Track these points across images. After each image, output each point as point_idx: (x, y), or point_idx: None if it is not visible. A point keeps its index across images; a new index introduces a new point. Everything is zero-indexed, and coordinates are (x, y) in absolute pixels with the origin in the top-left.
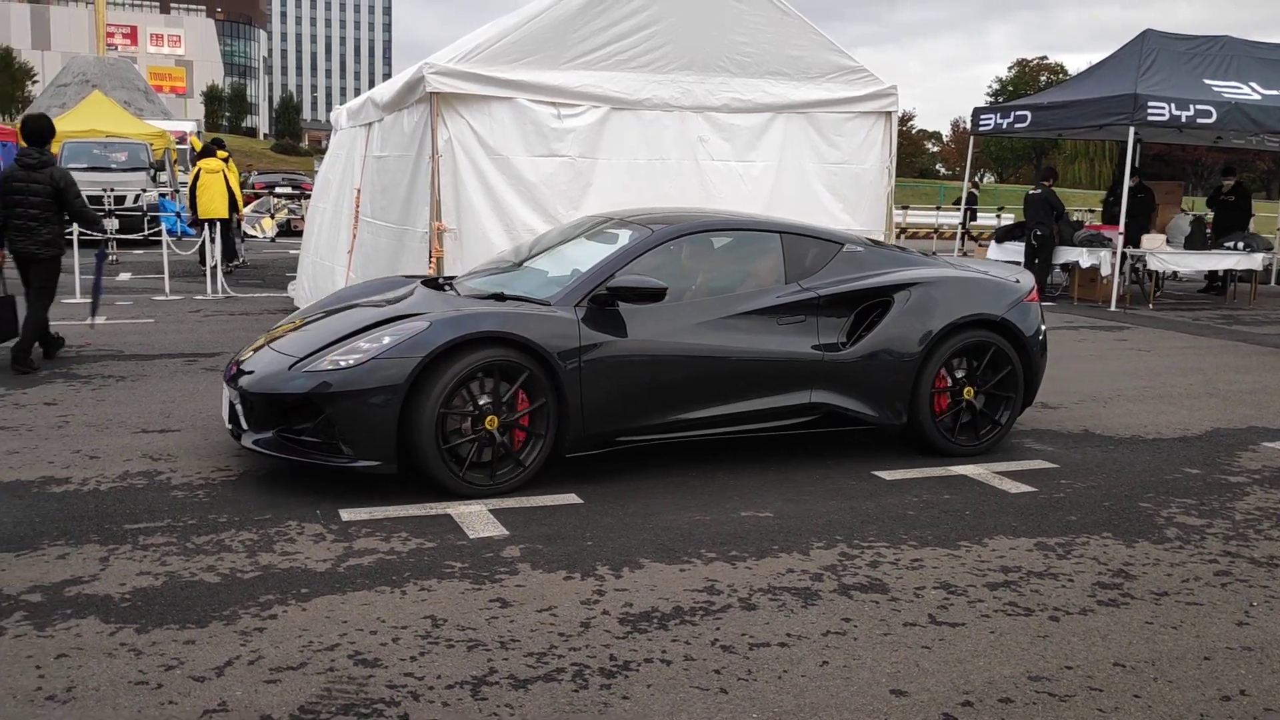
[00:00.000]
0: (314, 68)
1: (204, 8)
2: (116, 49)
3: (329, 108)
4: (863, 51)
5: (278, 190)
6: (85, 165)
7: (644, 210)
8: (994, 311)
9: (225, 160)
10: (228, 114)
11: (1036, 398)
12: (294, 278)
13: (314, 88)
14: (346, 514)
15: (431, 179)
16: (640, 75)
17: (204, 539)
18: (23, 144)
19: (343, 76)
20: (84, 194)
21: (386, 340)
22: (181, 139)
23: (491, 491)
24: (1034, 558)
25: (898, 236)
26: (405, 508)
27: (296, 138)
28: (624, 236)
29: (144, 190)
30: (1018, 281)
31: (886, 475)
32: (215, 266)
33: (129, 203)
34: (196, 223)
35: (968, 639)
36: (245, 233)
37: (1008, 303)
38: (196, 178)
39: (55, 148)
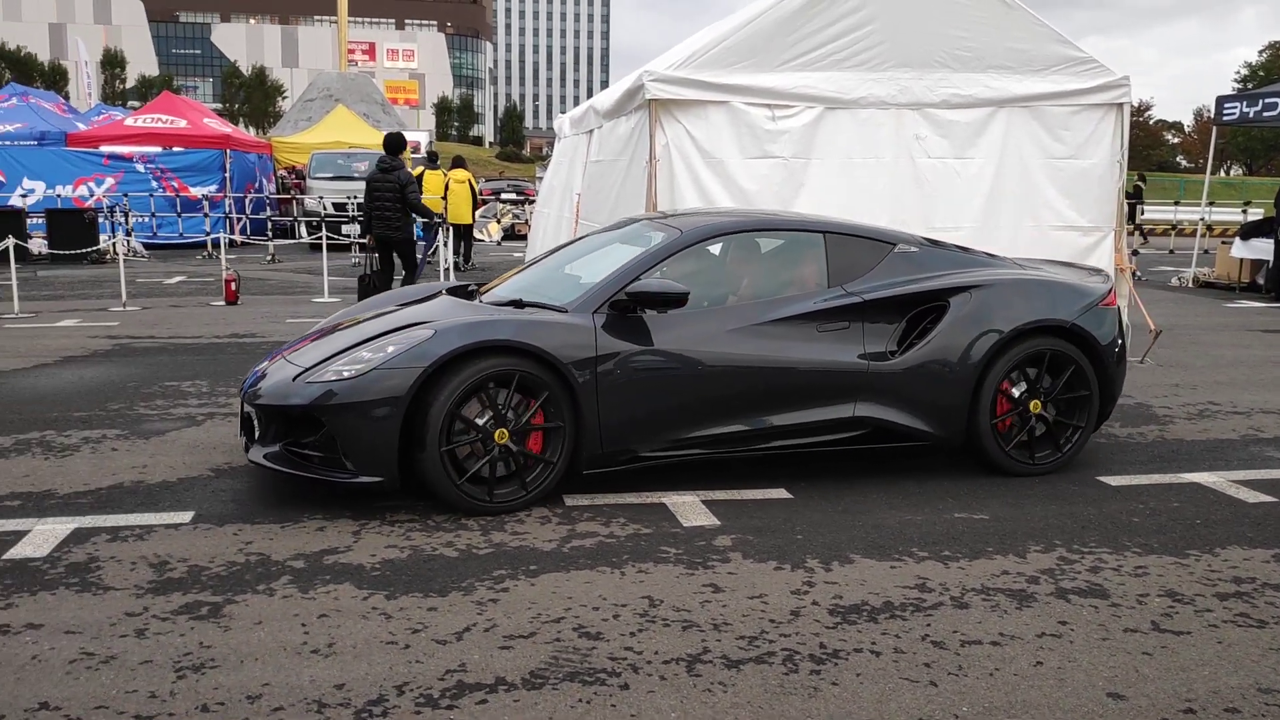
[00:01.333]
0: (535, 77)
1: (435, 23)
2: (356, 64)
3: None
4: (1091, 39)
5: (503, 196)
6: (331, 175)
7: (687, 211)
8: (1063, 317)
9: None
10: (456, 124)
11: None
12: None
13: (535, 96)
14: (570, 500)
15: (647, 183)
16: (855, 74)
17: (443, 518)
18: (383, 152)
19: (563, 84)
20: (330, 200)
21: (390, 350)
22: (415, 149)
23: (489, 510)
24: (1271, 569)
25: (1132, 234)
26: (623, 496)
27: (519, 145)
28: (656, 238)
29: None
30: (1092, 284)
31: (1112, 481)
32: (449, 268)
33: None
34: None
35: (1193, 648)
36: (474, 237)
37: (1080, 307)
38: (447, 187)
39: (304, 159)
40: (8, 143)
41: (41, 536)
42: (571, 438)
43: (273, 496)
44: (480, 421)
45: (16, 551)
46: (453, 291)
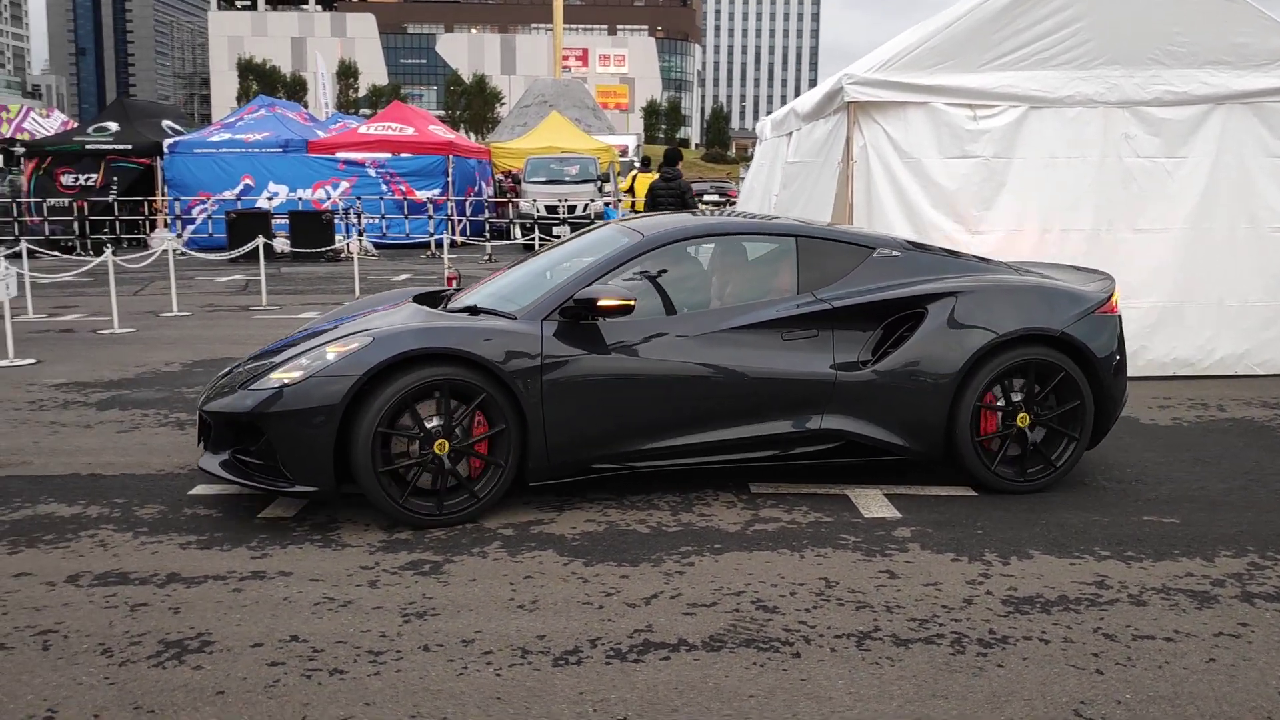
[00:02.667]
0: (743, 77)
1: (646, 28)
2: (570, 71)
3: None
4: None
5: (705, 198)
6: (543, 179)
7: (660, 216)
8: (1051, 325)
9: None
10: (664, 127)
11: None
12: None
13: (742, 97)
14: (755, 487)
15: (843, 185)
16: (1062, 73)
17: (637, 498)
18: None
19: (770, 84)
20: (543, 203)
21: (329, 357)
22: (624, 152)
23: (440, 522)
24: None
25: None
26: (807, 486)
27: (725, 146)
28: (620, 243)
29: (591, 200)
30: (1090, 290)
31: None
32: None
33: (579, 211)
34: None
35: None
36: None
37: (1072, 314)
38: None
39: (520, 163)
40: (256, 150)
41: (289, 500)
42: (517, 446)
43: None
44: (418, 431)
45: (269, 511)
46: (421, 298)
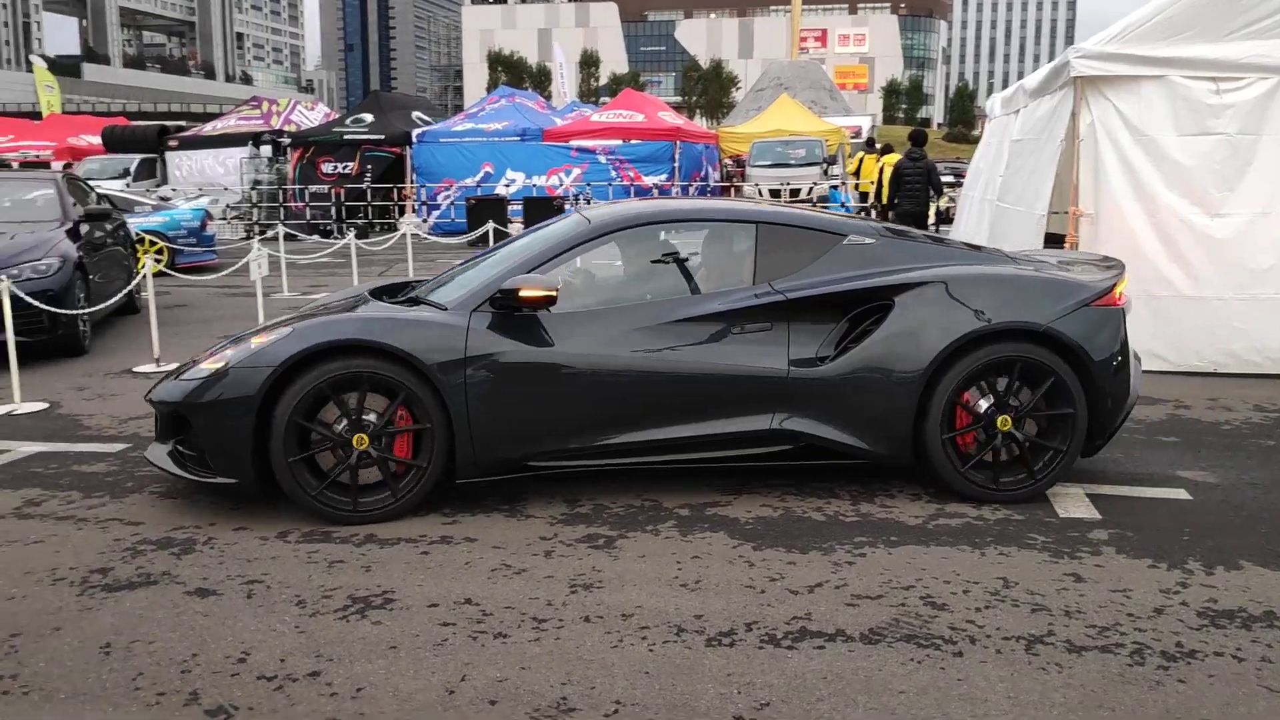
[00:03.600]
0: (992, 54)
1: (888, 5)
2: (807, 52)
3: None
4: None
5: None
6: (769, 163)
7: (617, 203)
8: (1034, 319)
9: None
10: (904, 106)
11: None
12: None
13: (990, 74)
14: None
15: (1070, 164)
16: None
17: (818, 485)
18: (909, 145)
19: (1021, 60)
20: (766, 187)
21: (252, 348)
22: (856, 133)
23: (360, 519)
24: None
25: None
26: None
27: (969, 125)
28: (569, 230)
29: (815, 184)
30: (1087, 279)
31: None
32: None
33: (802, 195)
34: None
35: None
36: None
37: (1061, 307)
38: (881, 171)
39: (744, 147)
40: (496, 139)
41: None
42: (443, 442)
43: None
44: (337, 425)
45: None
46: (377, 291)
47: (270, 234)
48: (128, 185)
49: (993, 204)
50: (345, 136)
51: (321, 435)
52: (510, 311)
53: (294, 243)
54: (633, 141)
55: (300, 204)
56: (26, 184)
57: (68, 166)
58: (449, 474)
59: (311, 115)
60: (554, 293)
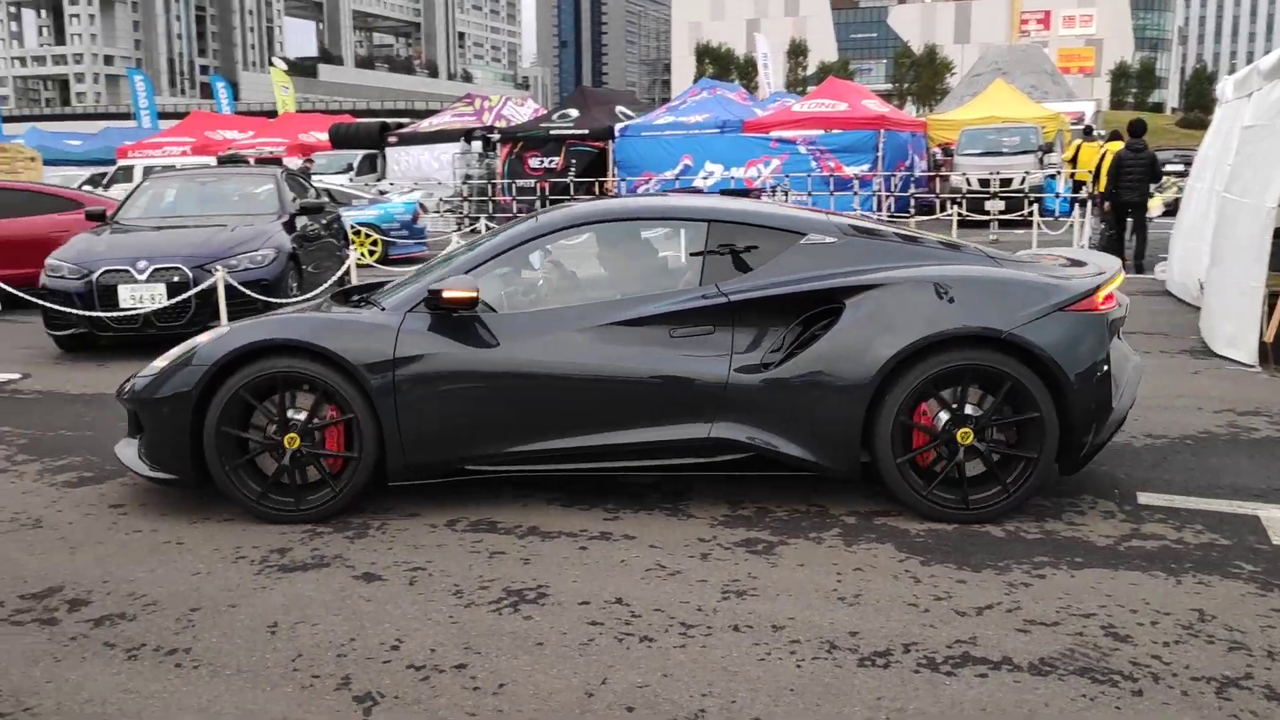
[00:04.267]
0: (1234, 33)
1: None
2: (1029, 35)
3: None
4: None
5: (1167, 168)
6: (979, 151)
7: (580, 203)
8: (994, 324)
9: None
10: (1134, 90)
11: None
12: (1165, 259)
13: (1233, 54)
14: (1144, 498)
15: None
16: None
17: None
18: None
19: (1268, 39)
20: (975, 176)
21: (193, 347)
22: (1078, 120)
23: (301, 518)
24: None
25: None
26: (1209, 501)
27: (1206, 110)
28: (519, 228)
29: (1028, 173)
30: (1061, 282)
31: None
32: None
33: (1015, 184)
34: (1101, 205)
35: None
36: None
37: (1027, 313)
38: (1102, 158)
39: (954, 135)
40: (696, 131)
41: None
42: (372, 441)
43: None
44: (268, 424)
45: (633, 475)
46: (349, 291)
47: (472, 228)
48: (350, 180)
49: (1219, 195)
50: (551, 132)
51: (258, 433)
52: (444, 313)
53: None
54: (834, 131)
55: (507, 198)
56: (250, 179)
57: (308, 162)
58: (381, 478)
59: (521, 111)
60: (474, 294)
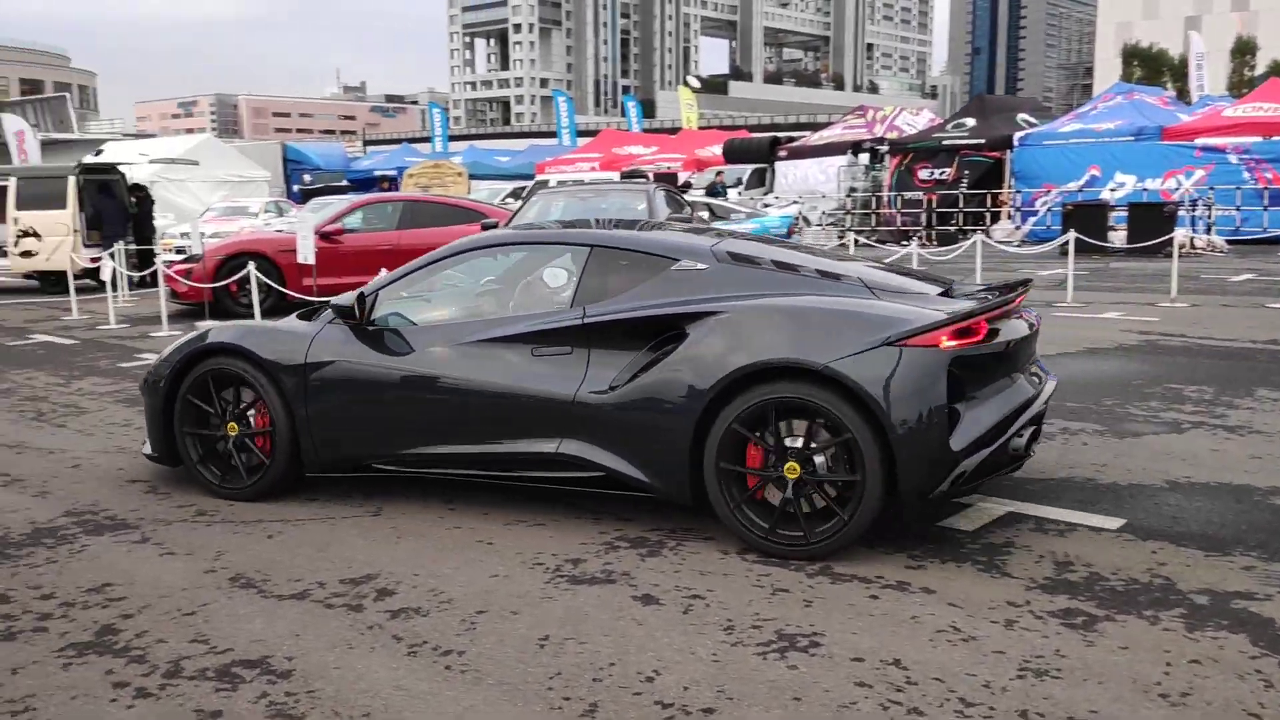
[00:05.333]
0: None
1: None
2: None
3: None
4: None
5: None
6: None
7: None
8: (813, 358)
9: None
10: None
11: None
12: None
13: None
14: None
15: None
16: None
17: None
18: None
19: None
20: None
21: (178, 343)
22: None
23: (226, 495)
24: None
25: None
26: None
27: None
28: (439, 249)
29: None
30: (903, 317)
31: None
32: None
33: None
34: None
35: None
36: None
37: (853, 348)
38: None
39: None
40: (1106, 139)
41: (977, 512)
42: (285, 437)
43: (1216, 520)
44: (216, 414)
45: (950, 521)
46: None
47: (840, 242)
48: (739, 194)
49: None
50: (944, 142)
51: (215, 422)
52: (356, 324)
53: (869, 249)
54: (1274, 138)
55: (892, 210)
56: (626, 193)
57: (719, 175)
58: (302, 469)
59: (916, 121)
60: (350, 306)
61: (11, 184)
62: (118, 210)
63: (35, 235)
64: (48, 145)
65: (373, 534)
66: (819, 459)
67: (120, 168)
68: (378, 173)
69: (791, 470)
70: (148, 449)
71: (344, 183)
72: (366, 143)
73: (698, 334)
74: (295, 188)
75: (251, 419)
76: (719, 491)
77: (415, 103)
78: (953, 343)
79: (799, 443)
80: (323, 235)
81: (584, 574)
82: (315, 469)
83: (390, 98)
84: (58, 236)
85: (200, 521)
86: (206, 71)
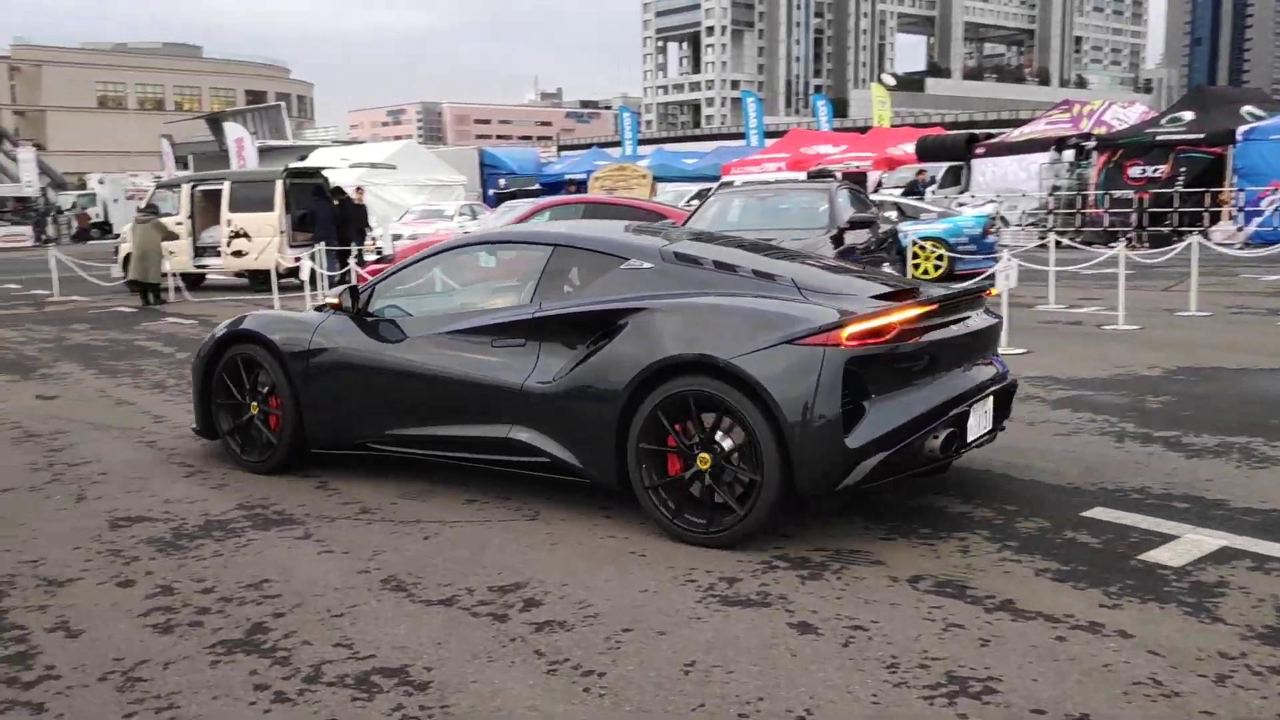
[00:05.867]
0: None
1: None
2: None
3: None
4: None
5: None
6: None
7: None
8: (715, 352)
9: None
10: None
11: None
12: None
13: None
14: None
15: None
16: None
17: None
18: None
19: None
20: None
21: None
22: None
23: (261, 469)
24: None
25: None
26: None
27: None
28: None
29: None
30: (802, 314)
31: None
32: None
33: None
34: None
35: None
36: None
37: (754, 344)
38: None
39: None
40: None
41: (1185, 546)
42: (290, 417)
43: None
44: (239, 394)
45: (1153, 555)
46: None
47: (1041, 242)
48: (933, 192)
49: None
50: (1158, 137)
51: (238, 399)
52: (355, 315)
53: (1072, 251)
54: None
55: (1099, 209)
56: (807, 193)
57: (919, 173)
58: (304, 446)
59: (1127, 115)
60: (336, 301)
61: (225, 188)
62: (328, 213)
63: (246, 236)
64: (264, 151)
65: (527, 539)
66: (727, 449)
67: (324, 172)
68: (567, 176)
69: (703, 461)
70: (195, 425)
71: (536, 186)
72: (560, 148)
73: (629, 329)
74: (490, 191)
75: (269, 399)
76: (638, 474)
77: (609, 108)
78: (854, 343)
79: (708, 434)
80: None
81: (737, 594)
82: (317, 446)
83: (585, 103)
84: (266, 237)
85: (362, 520)
86: (413, 81)
